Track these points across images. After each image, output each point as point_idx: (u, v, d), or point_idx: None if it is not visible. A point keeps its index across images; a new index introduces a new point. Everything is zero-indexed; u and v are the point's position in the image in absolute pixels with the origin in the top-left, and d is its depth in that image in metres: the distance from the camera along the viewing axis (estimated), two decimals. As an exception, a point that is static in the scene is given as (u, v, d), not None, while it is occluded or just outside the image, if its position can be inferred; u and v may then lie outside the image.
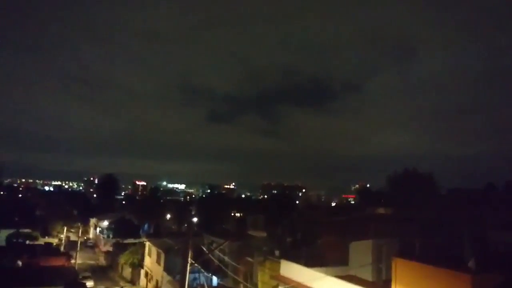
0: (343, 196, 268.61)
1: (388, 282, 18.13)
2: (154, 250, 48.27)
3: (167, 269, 42.04)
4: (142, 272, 51.80)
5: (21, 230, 70.11)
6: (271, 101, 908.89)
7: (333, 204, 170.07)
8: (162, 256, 44.06)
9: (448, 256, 17.94)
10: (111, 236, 77.98)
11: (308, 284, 20.78)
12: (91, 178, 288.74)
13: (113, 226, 79.93)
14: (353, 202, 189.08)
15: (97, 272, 57.05)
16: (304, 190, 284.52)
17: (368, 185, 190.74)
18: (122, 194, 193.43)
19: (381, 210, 35.35)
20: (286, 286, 22.88)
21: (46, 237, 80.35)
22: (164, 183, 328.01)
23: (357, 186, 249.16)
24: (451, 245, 19.81)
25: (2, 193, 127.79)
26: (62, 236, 75.75)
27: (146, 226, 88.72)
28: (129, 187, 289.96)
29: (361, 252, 21.97)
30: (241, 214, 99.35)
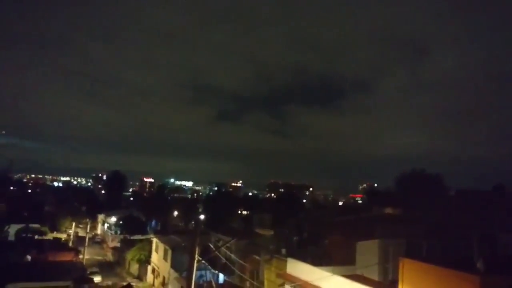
0: (350, 195, 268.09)
1: (394, 282, 18.07)
2: (161, 246, 48.55)
3: (174, 265, 42.27)
4: (149, 268, 52.13)
5: (30, 225, 70.76)
6: (279, 100, 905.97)
7: (340, 204, 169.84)
8: (169, 252, 44.30)
9: (456, 257, 17.84)
10: (118, 232, 78.60)
11: (315, 283, 20.78)
12: (99, 175, 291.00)
13: (120, 222, 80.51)
14: (360, 201, 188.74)
15: (105, 268, 57.53)
16: (311, 189, 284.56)
17: (375, 185, 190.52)
18: (130, 190, 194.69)
19: (388, 210, 35.16)
20: (292, 284, 22.90)
21: (55, 232, 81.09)
22: (172, 180, 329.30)
23: (365, 186, 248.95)
24: (459, 246, 19.69)
25: (11, 188, 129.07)
26: (70, 231, 76.47)
27: (153, 222, 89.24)
28: (137, 184, 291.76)
29: (368, 252, 21.92)
30: (248, 213, 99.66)
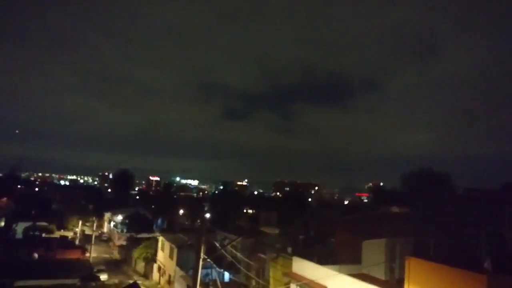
0: (357, 194, 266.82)
1: (401, 281, 17.98)
2: (167, 245, 48.69)
3: (180, 264, 42.39)
4: (155, 266, 52.30)
5: (37, 223, 71.35)
6: (286, 98, 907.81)
7: (346, 203, 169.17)
8: (175, 251, 44.42)
9: (463, 256, 17.70)
10: (125, 230, 78.89)
11: (321, 282, 20.72)
12: (106, 173, 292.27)
13: (127, 220, 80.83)
14: (366, 200, 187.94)
15: (111, 266, 57.77)
16: (317, 188, 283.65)
17: (382, 184, 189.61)
18: (136, 189, 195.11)
19: (395, 209, 34.98)
20: (298, 283, 22.86)
21: (62, 230, 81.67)
22: (178, 179, 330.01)
23: (371, 184, 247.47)
24: (466, 245, 19.53)
25: (19, 187, 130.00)
26: (77, 229, 76.98)
27: (159, 221, 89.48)
28: (143, 182, 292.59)
29: (374, 250, 21.82)
30: (254, 211, 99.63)
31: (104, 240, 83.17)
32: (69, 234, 77.40)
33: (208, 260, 18.50)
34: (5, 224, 69.68)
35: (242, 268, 32.21)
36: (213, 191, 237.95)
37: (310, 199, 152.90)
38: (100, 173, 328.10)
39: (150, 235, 66.46)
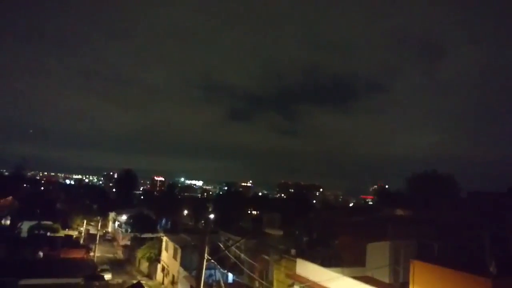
0: (361, 196, 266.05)
1: (405, 284, 17.91)
2: (171, 245, 48.76)
3: (184, 264, 42.42)
4: (159, 266, 52.39)
5: (42, 222, 71.62)
6: (291, 99, 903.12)
7: (351, 205, 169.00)
8: (179, 251, 44.47)
9: (468, 259, 17.61)
10: (129, 230, 79.11)
11: (324, 284, 20.68)
12: (111, 173, 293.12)
13: (131, 220, 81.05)
14: (371, 203, 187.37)
15: (115, 266, 57.93)
16: (321, 190, 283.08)
17: (387, 186, 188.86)
18: (141, 189, 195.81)
19: (399, 212, 34.84)
20: (302, 285, 22.82)
21: (67, 229, 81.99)
22: (182, 179, 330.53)
23: (375, 187, 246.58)
24: (471, 248, 19.43)
25: (25, 186, 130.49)
26: (81, 229, 77.25)
27: (163, 221, 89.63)
28: (148, 182, 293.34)
29: (378, 253, 21.76)
30: (258, 212, 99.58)
31: (108, 239, 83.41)
32: (74, 233, 77.71)
33: (212, 261, 18.53)
34: (10, 223, 70.06)
35: (245, 269, 32.23)
36: (217, 192, 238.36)
37: (314, 201, 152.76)
38: (105, 173, 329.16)
39: (154, 235, 66.59)
